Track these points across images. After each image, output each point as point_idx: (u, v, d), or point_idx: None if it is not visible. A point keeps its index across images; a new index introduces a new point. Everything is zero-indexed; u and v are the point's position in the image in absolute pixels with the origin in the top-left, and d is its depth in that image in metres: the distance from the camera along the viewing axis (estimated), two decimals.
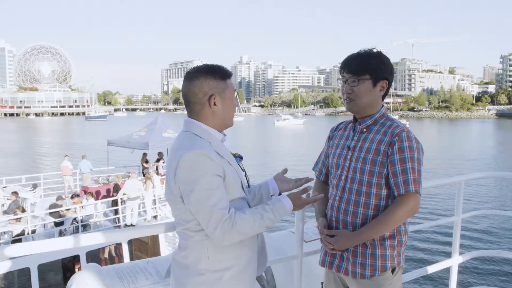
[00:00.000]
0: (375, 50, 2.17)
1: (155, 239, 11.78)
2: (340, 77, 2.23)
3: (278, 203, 1.87)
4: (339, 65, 2.27)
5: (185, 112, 1.95)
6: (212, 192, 1.72)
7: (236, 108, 1.98)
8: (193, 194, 1.72)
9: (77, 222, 11.70)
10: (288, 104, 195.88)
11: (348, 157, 2.18)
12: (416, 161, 2.03)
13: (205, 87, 1.86)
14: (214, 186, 1.73)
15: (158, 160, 16.98)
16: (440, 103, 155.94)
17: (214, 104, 1.87)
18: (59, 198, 12.36)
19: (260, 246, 1.99)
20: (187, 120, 1.92)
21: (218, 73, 1.89)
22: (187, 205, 1.76)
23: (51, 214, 11.63)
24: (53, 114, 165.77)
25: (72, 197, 13.26)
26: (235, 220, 1.73)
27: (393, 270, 2.12)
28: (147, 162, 17.17)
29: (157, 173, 15.21)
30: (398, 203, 2.04)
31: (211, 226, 1.72)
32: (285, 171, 2.15)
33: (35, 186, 15.46)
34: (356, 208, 2.12)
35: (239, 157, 1.98)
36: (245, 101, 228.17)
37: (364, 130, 2.18)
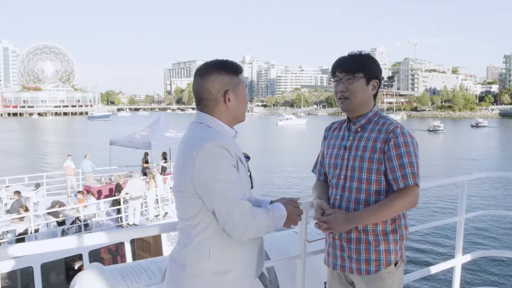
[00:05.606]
0: (363, 53, 2.21)
1: (157, 238, 11.79)
2: (332, 79, 2.25)
3: (275, 207, 1.86)
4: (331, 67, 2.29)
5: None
6: (235, 184, 1.68)
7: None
8: (216, 184, 1.65)
9: (80, 222, 11.73)
10: (291, 104, 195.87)
11: (346, 156, 2.20)
12: (412, 155, 2.07)
13: (218, 83, 1.81)
14: (235, 177, 1.70)
15: (164, 160, 16.87)
16: (443, 103, 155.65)
17: (229, 99, 1.83)
18: (55, 203, 12.16)
19: (259, 248, 1.93)
20: (200, 112, 1.85)
21: (230, 68, 1.85)
22: (207, 197, 1.68)
23: (53, 214, 11.64)
24: (56, 113, 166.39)
25: (77, 194, 13.39)
26: (255, 213, 1.70)
27: (396, 264, 2.16)
28: (147, 162, 17.16)
29: (161, 173, 15.18)
30: (398, 195, 2.06)
31: (236, 217, 1.66)
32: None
33: (38, 186, 15.51)
34: (357, 206, 2.14)
35: (246, 157, 1.96)
36: (248, 101, 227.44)
37: (359, 129, 2.20)
